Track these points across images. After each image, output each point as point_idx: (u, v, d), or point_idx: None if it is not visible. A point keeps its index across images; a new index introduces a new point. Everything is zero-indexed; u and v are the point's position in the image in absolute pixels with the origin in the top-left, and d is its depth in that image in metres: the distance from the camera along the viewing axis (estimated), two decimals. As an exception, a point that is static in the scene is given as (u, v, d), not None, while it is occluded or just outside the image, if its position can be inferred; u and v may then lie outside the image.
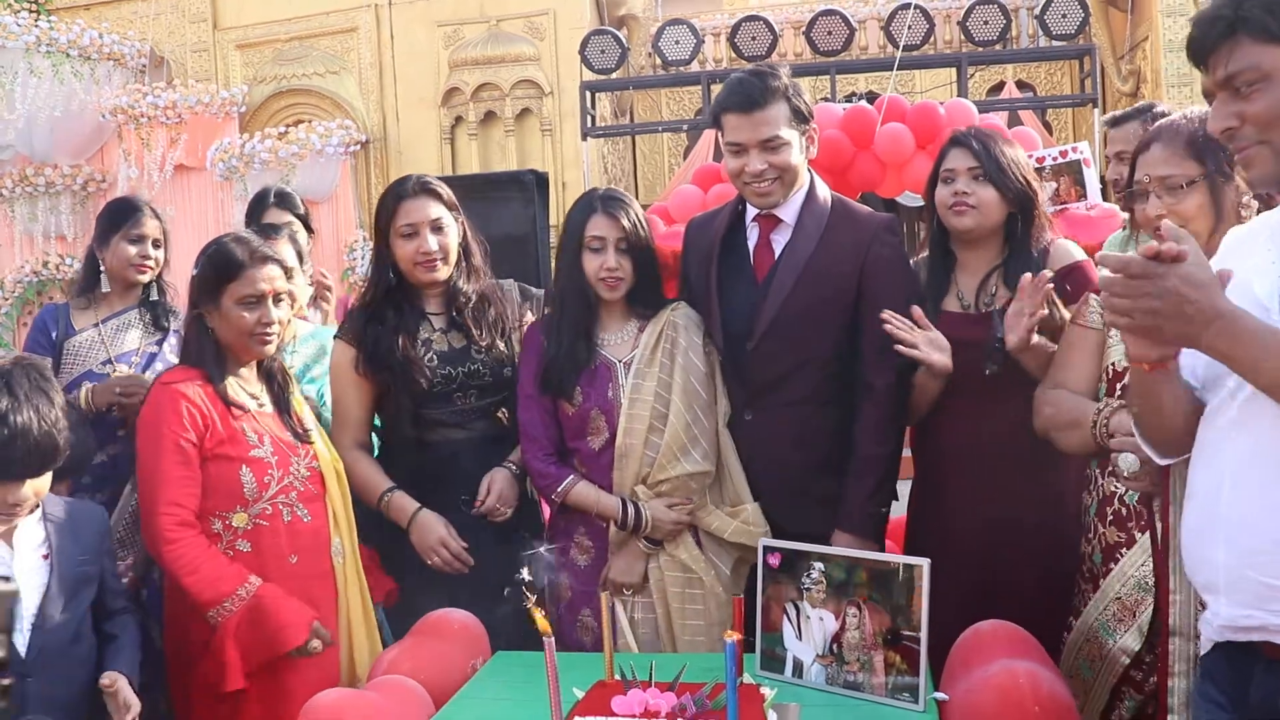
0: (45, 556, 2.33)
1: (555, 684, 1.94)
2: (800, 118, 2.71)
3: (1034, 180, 2.83)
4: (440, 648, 2.51)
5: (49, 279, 9.98)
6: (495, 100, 9.81)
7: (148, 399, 2.65)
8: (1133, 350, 1.62)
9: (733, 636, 1.80)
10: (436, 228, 2.91)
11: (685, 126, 9.17)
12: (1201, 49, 1.62)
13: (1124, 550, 2.34)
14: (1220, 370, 1.60)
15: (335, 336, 3.02)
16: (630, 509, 2.73)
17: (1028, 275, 2.54)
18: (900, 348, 2.58)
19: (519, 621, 2.80)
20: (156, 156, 9.83)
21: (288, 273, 2.71)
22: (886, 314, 2.60)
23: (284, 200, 3.78)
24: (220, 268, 2.64)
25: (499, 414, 3.03)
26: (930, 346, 2.59)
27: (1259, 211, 2.10)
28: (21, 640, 2.22)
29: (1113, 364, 2.33)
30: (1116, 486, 2.34)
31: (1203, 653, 1.77)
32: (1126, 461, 2.12)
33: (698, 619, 2.77)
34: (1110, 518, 2.39)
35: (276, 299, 2.67)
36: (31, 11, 10.04)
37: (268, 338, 2.66)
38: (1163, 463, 1.84)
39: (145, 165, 9.83)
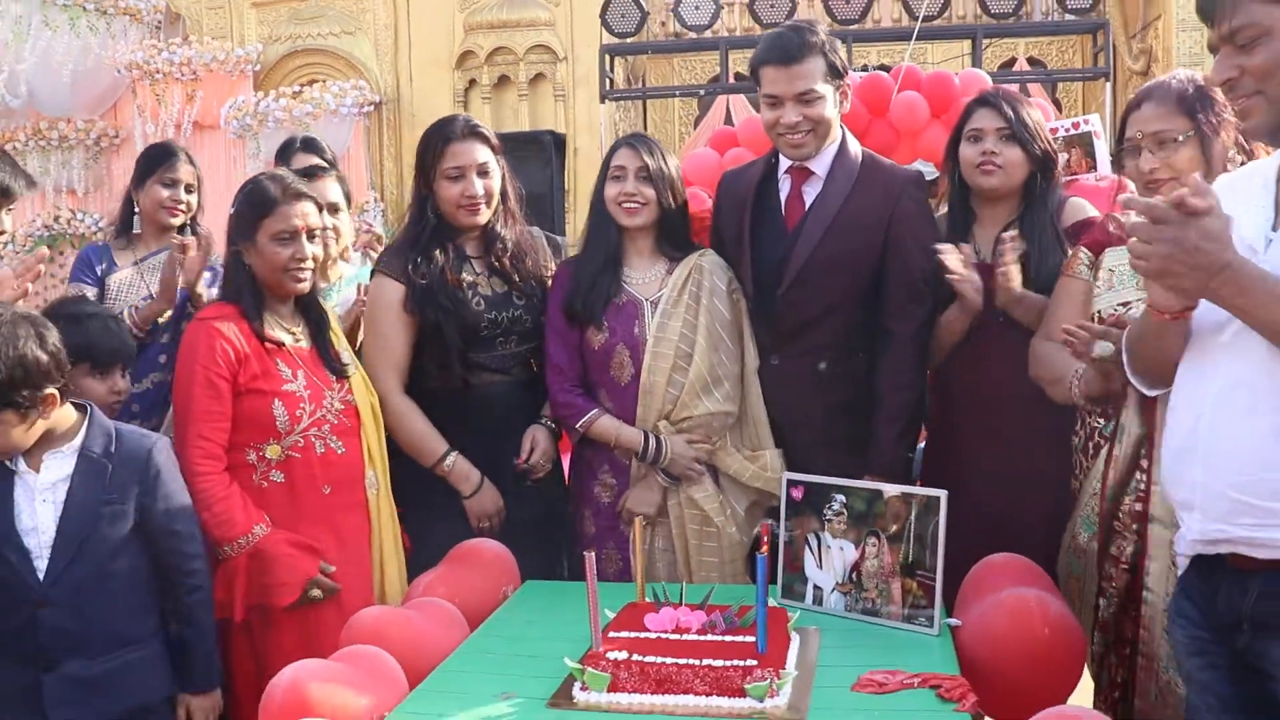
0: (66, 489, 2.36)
1: (594, 596, 2.05)
2: (835, 73, 2.81)
3: (1052, 143, 2.95)
4: (473, 574, 2.63)
5: (60, 233, 10.03)
6: (509, 64, 9.82)
7: (185, 335, 2.73)
8: (1157, 299, 1.74)
9: (764, 551, 1.91)
10: (483, 171, 2.99)
11: (702, 92, 9.19)
12: (1210, 4, 1.74)
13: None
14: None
15: (376, 270, 3.06)
16: (651, 441, 2.84)
17: (1007, 233, 2.70)
18: (950, 276, 2.71)
19: (542, 562, 2.95)
20: (172, 113, 9.87)
21: (333, 209, 2.78)
22: (941, 246, 2.73)
23: (310, 145, 3.85)
24: (256, 204, 2.73)
25: (531, 361, 3.12)
26: (968, 284, 2.72)
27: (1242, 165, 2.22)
28: (41, 567, 2.28)
29: (1098, 311, 2.45)
30: (1098, 423, 2.49)
31: (1180, 572, 1.91)
32: (1103, 349, 2.23)
33: (712, 556, 2.89)
34: (1092, 450, 2.52)
35: (311, 235, 2.75)
36: (48, -36, 10.06)
37: (302, 273, 2.74)
38: (1151, 394, 1.99)
39: (161, 121, 9.88)
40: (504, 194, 3.07)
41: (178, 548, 2.45)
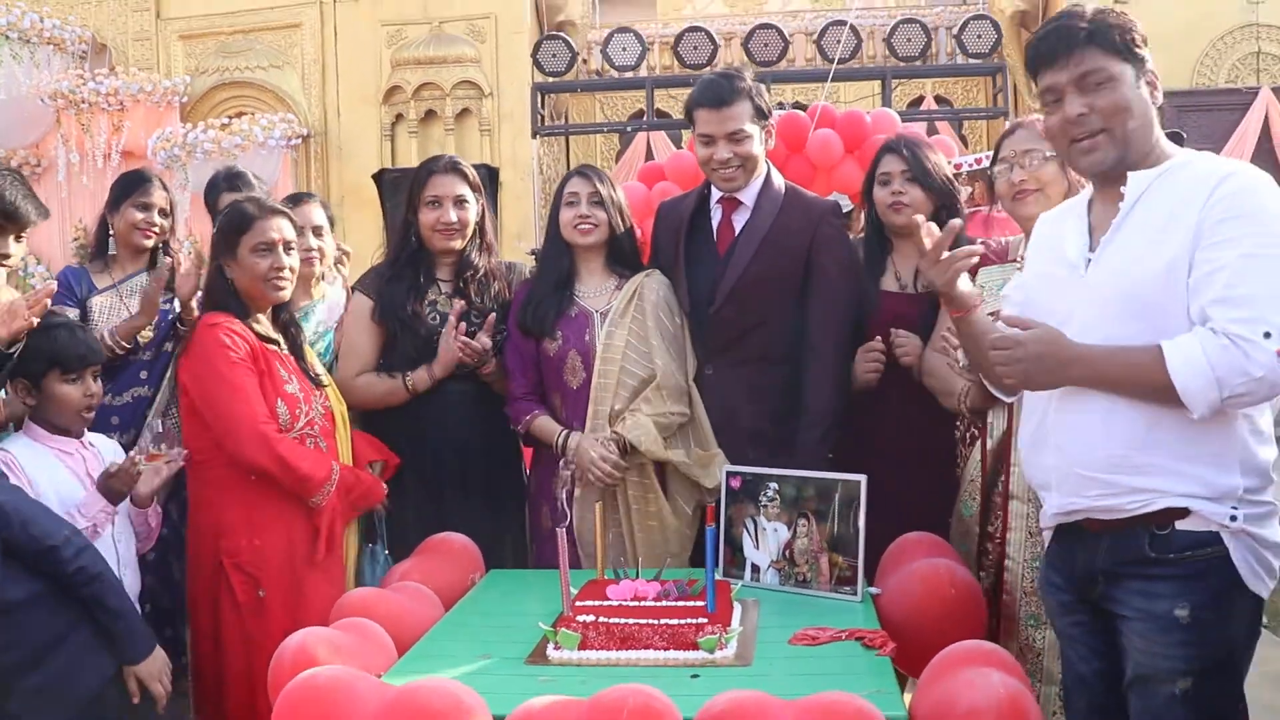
0: None
1: (565, 567, 2.34)
2: (760, 114, 3.17)
3: (953, 179, 3.33)
4: (444, 562, 2.90)
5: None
6: (436, 99, 9.98)
7: (194, 340, 2.93)
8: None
9: (711, 524, 2.22)
10: (459, 203, 3.31)
11: (628, 128, 9.60)
12: (1055, 52, 2.06)
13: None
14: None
15: (354, 288, 3.42)
16: (561, 436, 3.16)
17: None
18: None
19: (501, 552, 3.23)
20: (99, 142, 9.89)
21: (317, 231, 3.06)
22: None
23: (235, 182, 3.93)
24: (235, 222, 2.99)
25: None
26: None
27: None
28: None
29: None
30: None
31: (1045, 547, 2.29)
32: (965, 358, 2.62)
33: (657, 549, 3.18)
34: (969, 441, 2.97)
35: (287, 247, 3.01)
36: (-31, -7, 10.07)
37: (281, 282, 3.00)
38: (1008, 400, 2.41)
39: (87, 151, 9.90)
40: (481, 228, 3.38)
41: (47, 553, 2.47)
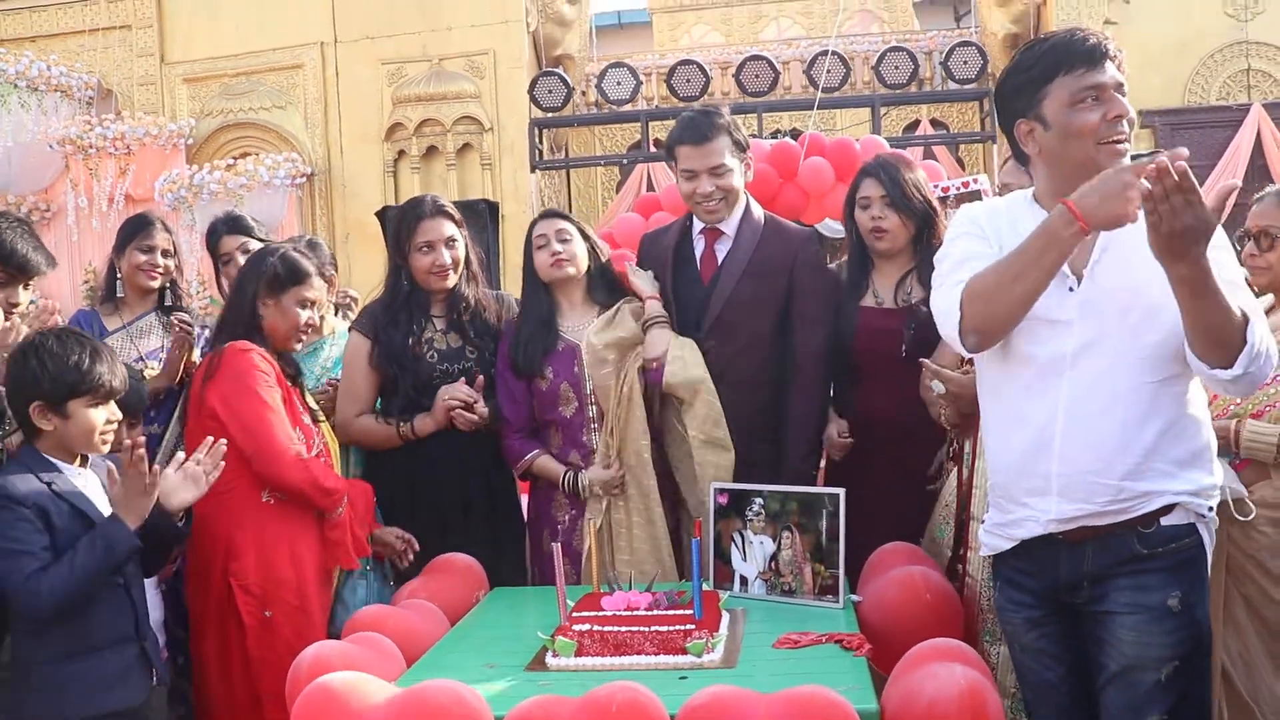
0: None
1: (561, 581, 2.49)
2: (740, 148, 3.34)
3: (933, 198, 3.42)
4: (450, 581, 3.05)
5: (-12, 307, 10.11)
6: (437, 135, 10.11)
7: (225, 364, 3.03)
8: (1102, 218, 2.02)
9: (698, 536, 2.37)
10: (449, 244, 3.45)
11: (625, 160, 9.80)
12: (1097, 53, 2.13)
13: None
14: (1026, 341, 2.19)
15: (352, 328, 3.55)
16: (567, 477, 3.31)
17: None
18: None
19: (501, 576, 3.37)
20: (105, 186, 10.04)
21: (331, 282, 3.25)
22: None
23: (236, 226, 4.02)
24: (294, 271, 3.17)
25: None
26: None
27: None
28: None
29: None
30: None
31: (988, 555, 2.39)
32: (937, 388, 2.80)
33: (646, 563, 3.32)
34: (950, 455, 3.07)
35: (318, 306, 3.25)
36: (-23, 44, 10.29)
37: (305, 335, 3.24)
38: (972, 354, 2.33)
39: (94, 195, 10.07)
40: (467, 260, 3.53)
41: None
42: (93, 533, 2.52)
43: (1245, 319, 1.99)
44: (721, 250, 3.42)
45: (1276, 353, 2.07)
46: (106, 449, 2.72)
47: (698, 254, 3.47)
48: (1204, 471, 2.16)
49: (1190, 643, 2.13)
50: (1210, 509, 2.16)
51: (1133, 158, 2.14)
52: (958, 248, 2.30)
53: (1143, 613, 2.12)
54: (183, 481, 2.67)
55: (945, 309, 2.22)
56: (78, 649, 2.53)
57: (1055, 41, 2.20)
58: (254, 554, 3.01)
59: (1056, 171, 2.20)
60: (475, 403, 3.34)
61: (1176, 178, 1.83)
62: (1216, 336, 1.99)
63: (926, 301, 3.26)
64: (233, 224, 4.03)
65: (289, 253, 3.21)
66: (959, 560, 2.92)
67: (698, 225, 3.47)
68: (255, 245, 3.84)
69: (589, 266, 3.42)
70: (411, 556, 3.29)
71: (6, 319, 3.06)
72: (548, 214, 3.50)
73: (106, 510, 2.63)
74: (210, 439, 2.76)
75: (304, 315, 3.17)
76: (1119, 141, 2.14)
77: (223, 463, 2.74)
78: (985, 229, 2.30)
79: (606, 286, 3.48)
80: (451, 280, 3.48)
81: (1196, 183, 1.85)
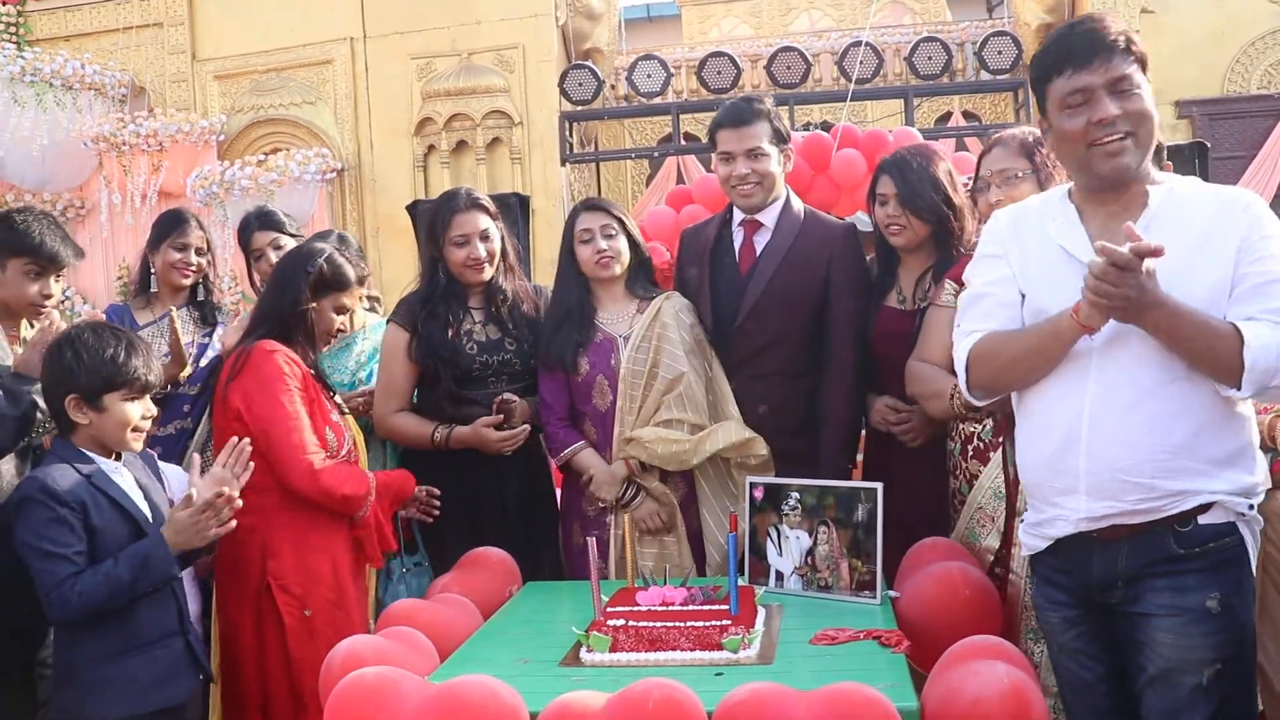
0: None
1: (596, 574, 2.46)
2: (779, 137, 3.32)
3: (952, 192, 3.25)
4: (484, 575, 3.04)
5: (26, 303, 10.21)
6: (467, 130, 10.09)
7: (251, 364, 2.99)
8: (1089, 319, 2.06)
9: (733, 531, 2.34)
10: (484, 236, 3.45)
11: (655, 153, 9.75)
12: (1091, 52, 2.10)
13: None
14: None
15: (390, 320, 3.52)
16: (629, 490, 3.28)
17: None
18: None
19: (539, 569, 3.35)
20: (138, 183, 10.14)
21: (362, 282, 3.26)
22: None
23: (268, 221, 4.03)
24: (339, 277, 3.17)
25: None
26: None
27: None
28: None
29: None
30: (975, 428, 2.94)
31: (1030, 554, 2.33)
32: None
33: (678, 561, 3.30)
34: (971, 453, 2.97)
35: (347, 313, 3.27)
36: (13, 43, 10.40)
37: (333, 339, 3.26)
38: (982, 404, 2.38)
39: (128, 192, 10.16)
40: (504, 252, 3.51)
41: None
42: (135, 549, 2.54)
43: (1242, 340, 1.98)
44: (760, 241, 3.41)
45: None
46: (139, 446, 2.72)
47: (736, 245, 3.45)
48: (1244, 471, 2.11)
49: (1232, 645, 2.08)
50: (1251, 507, 2.10)
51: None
52: (977, 275, 2.33)
53: (1181, 614, 2.08)
54: (200, 520, 2.61)
55: (956, 357, 2.32)
56: (127, 646, 2.55)
57: (1054, 38, 2.20)
58: (291, 553, 2.99)
59: (1069, 169, 2.25)
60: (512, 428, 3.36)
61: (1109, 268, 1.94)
62: (1210, 368, 2.04)
63: None
64: (264, 220, 4.05)
65: (335, 256, 3.19)
66: (1003, 559, 2.85)
67: (737, 217, 3.46)
68: (286, 241, 3.88)
69: (630, 259, 3.39)
70: (436, 507, 3.36)
71: (41, 311, 3.08)
72: (591, 205, 3.44)
73: (143, 505, 2.64)
74: (234, 440, 2.74)
75: (336, 320, 3.18)
76: (1109, 143, 2.11)
77: (251, 464, 2.72)
78: (1005, 242, 2.29)
79: (645, 278, 3.46)
80: (487, 273, 3.47)
81: (1132, 260, 1.92)
